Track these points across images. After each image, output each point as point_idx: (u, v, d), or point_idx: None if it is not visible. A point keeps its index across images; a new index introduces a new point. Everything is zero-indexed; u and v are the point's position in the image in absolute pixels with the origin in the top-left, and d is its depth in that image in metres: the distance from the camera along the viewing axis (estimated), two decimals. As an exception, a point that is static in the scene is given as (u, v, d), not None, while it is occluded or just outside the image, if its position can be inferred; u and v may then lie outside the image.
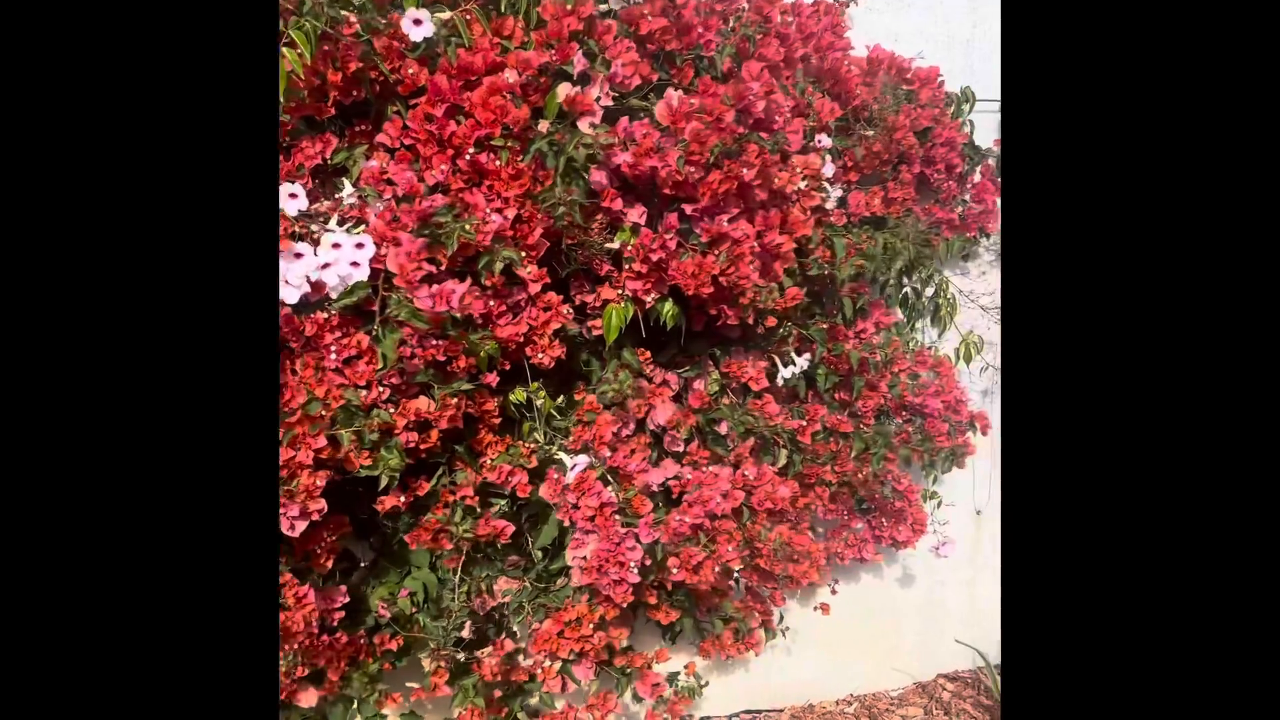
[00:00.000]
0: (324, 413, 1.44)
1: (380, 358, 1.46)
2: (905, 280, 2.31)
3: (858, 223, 2.02)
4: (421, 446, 1.57)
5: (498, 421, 1.68)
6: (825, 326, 2.07)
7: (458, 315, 1.55)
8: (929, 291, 2.38)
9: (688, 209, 1.58)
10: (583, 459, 1.59)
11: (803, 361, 1.92)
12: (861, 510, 2.28)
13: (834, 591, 2.27)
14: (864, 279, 2.12)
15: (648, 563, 1.60)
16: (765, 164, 1.57)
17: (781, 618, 2.24)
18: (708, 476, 1.66)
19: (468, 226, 1.45)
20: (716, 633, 2.00)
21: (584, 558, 1.55)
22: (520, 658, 1.73)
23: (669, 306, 1.63)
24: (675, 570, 1.55)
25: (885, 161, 2.07)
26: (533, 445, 1.66)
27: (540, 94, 1.58)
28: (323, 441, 1.39)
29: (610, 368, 1.73)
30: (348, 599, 1.63)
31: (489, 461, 1.66)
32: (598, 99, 1.56)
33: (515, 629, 1.81)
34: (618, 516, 1.58)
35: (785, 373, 1.89)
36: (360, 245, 1.44)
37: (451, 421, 1.57)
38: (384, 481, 1.46)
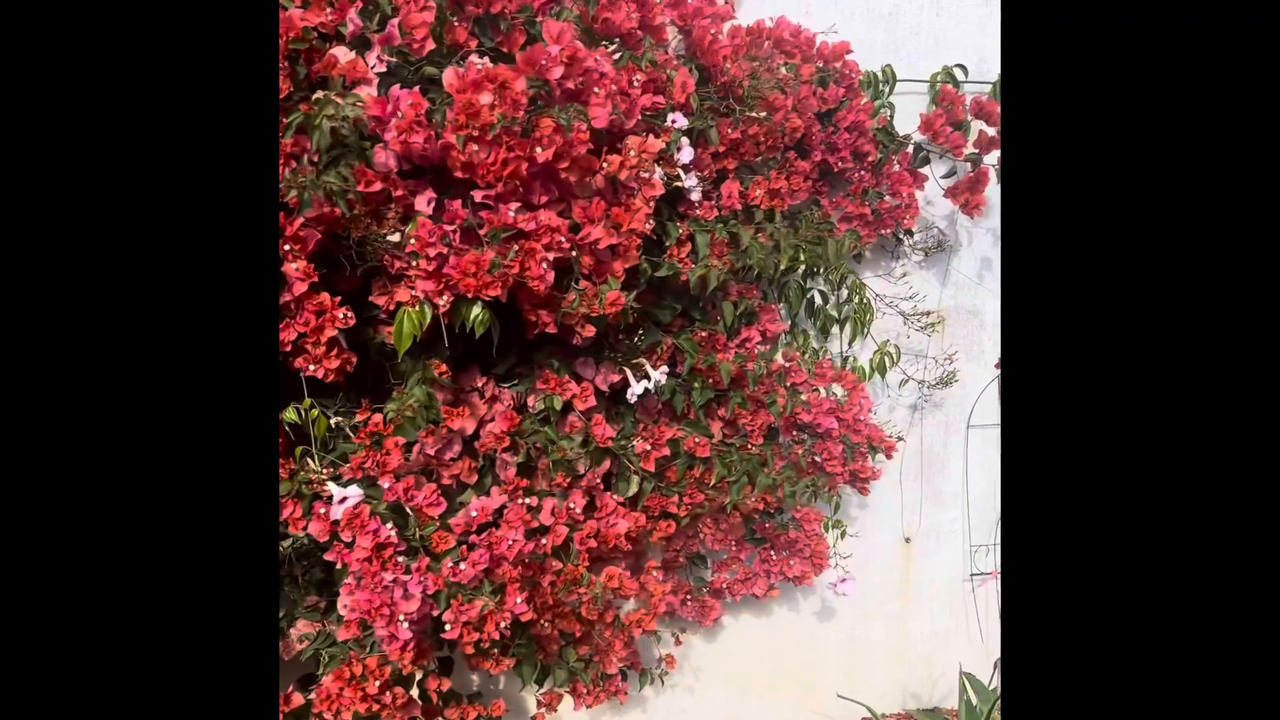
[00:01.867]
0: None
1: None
2: (808, 283, 2.05)
3: (730, 215, 1.76)
4: (172, 472, 1.34)
5: (279, 443, 1.45)
6: (704, 335, 1.81)
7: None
8: (843, 295, 2.12)
9: (477, 196, 1.33)
10: (354, 490, 1.35)
11: (659, 375, 1.67)
12: (754, 540, 2.02)
13: (678, 642, 2.01)
14: (746, 281, 1.87)
15: (436, 613, 1.36)
16: (572, 144, 1.32)
17: (659, 660, 2.00)
18: (512, 510, 1.41)
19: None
20: (577, 677, 1.75)
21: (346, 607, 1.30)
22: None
23: (477, 311, 1.38)
24: (449, 626, 1.30)
25: (772, 147, 1.81)
26: (319, 473, 1.42)
27: (322, 62, 1.34)
28: None
29: (412, 382, 1.49)
30: (90, 649, 1.40)
31: (270, 489, 1.43)
32: (372, 66, 1.31)
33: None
34: (402, 559, 1.34)
35: (637, 388, 1.64)
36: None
37: (201, 444, 1.33)
38: (88, 518, 1.22)
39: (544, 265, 1.30)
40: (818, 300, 2.07)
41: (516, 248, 1.30)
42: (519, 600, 1.33)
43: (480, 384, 1.60)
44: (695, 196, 1.68)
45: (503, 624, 1.32)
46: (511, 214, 1.30)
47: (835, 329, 2.13)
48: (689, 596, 1.99)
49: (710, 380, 1.78)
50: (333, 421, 1.49)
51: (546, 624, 1.60)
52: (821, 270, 2.05)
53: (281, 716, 1.47)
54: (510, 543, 1.32)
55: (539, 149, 1.28)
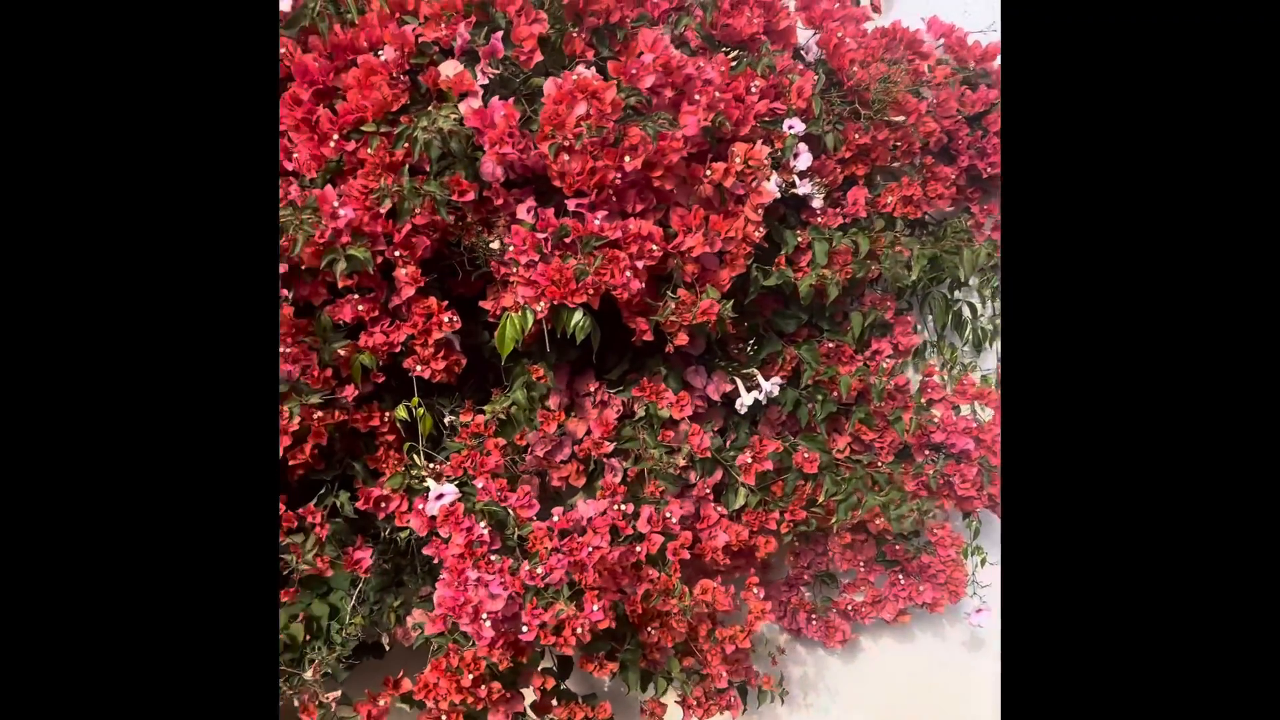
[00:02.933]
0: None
1: (210, 364, 1.33)
2: (954, 294, 1.95)
3: (855, 223, 1.70)
4: (292, 463, 1.44)
5: (391, 439, 1.52)
6: (831, 346, 1.76)
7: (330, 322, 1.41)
8: (996, 308, 2.00)
9: (570, 204, 1.35)
10: (450, 489, 1.39)
11: (770, 385, 1.63)
12: (885, 562, 1.94)
13: (774, 662, 1.94)
14: (882, 291, 1.79)
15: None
16: (663, 152, 1.31)
17: (781, 678, 1.95)
18: (599, 517, 1.42)
19: (305, 220, 1.30)
20: (685, 691, 1.74)
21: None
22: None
23: (577, 317, 1.40)
24: (526, 628, 1.32)
25: (907, 152, 1.73)
26: (428, 469, 1.48)
27: (428, 75, 1.41)
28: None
29: (515, 385, 1.53)
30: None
31: (384, 482, 1.50)
32: (477, 79, 1.36)
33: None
34: (495, 558, 1.38)
35: (746, 398, 1.61)
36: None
37: (315, 438, 1.42)
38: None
39: (628, 274, 1.30)
40: (965, 313, 1.96)
41: (601, 256, 1.31)
42: (596, 608, 1.34)
43: (592, 389, 1.62)
44: (816, 204, 1.64)
45: (580, 630, 1.33)
46: (597, 222, 1.31)
47: (987, 345, 2.01)
48: (813, 616, 1.94)
49: (833, 393, 1.72)
50: (446, 421, 1.55)
51: (653, 631, 1.59)
52: (972, 281, 1.94)
53: (388, 699, 1.54)
54: (591, 550, 1.33)
55: (627, 158, 1.28)
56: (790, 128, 1.56)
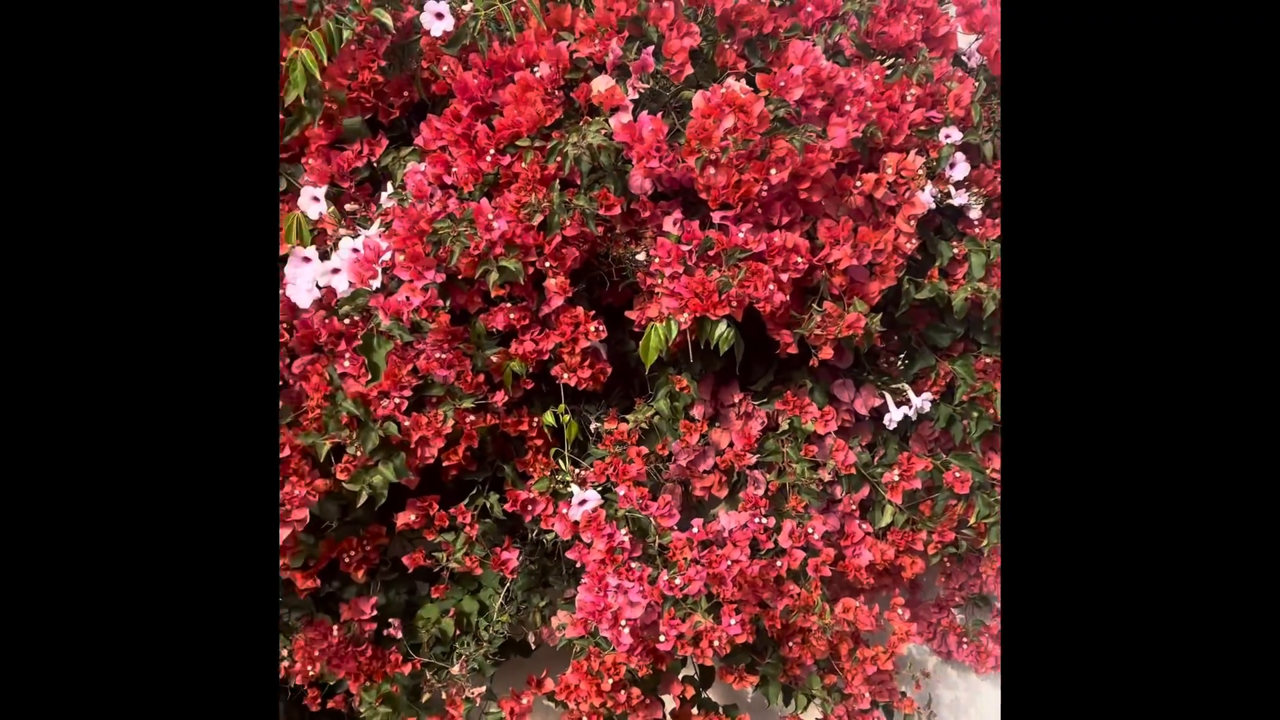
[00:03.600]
0: (319, 420, 1.41)
1: (370, 368, 1.40)
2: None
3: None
4: (445, 464, 1.50)
5: (539, 443, 1.56)
6: (989, 361, 1.70)
7: (484, 331, 1.46)
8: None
9: (716, 217, 1.35)
10: (593, 495, 1.42)
11: (921, 401, 1.58)
12: (1043, 589, 1.85)
13: (918, 686, 1.86)
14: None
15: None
16: (810, 164, 1.30)
17: (930, 700, 1.89)
18: (739, 530, 1.42)
19: (462, 233, 1.35)
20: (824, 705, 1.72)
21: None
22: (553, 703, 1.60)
23: (721, 329, 1.40)
24: (663, 638, 1.33)
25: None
26: (573, 474, 1.51)
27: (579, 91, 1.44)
28: (287, 450, 1.36)
29: (660, 394, 1.54)
30: (376, 611, 1.59)
31: (532, 485, 1.55)
32: (627, 93, 1.38)
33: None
34: (636, 565, 1.39)
35: (895, 414, 1.57)
36: (356, 250, 1.39)
37: (468, 440, 1.47)
38: (362, 498, 1.40)
39: (771, 287, 1.29)
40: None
41: (744, 268, 1.31)
42: (734, 621, 1.33)
43: (737, 400, 1.62)
44: (974, 214, 1.58)
45: (717, 643, 1.32)
46: (742, 235, 1.31)
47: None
48: (964, 639, 1.87)
49: (989, 411, 1.66)
50: (591, 427, 1.58)
51: (794, 646, 1.58)
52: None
53: (531, 698, 1.58)
54: (730, 563, 1.33)
55: (773, 171, 1.28)
56: (947, 137, 1.51)
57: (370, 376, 1.40)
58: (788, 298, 1.36)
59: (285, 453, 1.36)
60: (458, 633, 1.65)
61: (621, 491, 1.42)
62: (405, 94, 1.55)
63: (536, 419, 1.54)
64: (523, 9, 1.48)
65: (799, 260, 1.33)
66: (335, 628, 1.54)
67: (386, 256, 1.39)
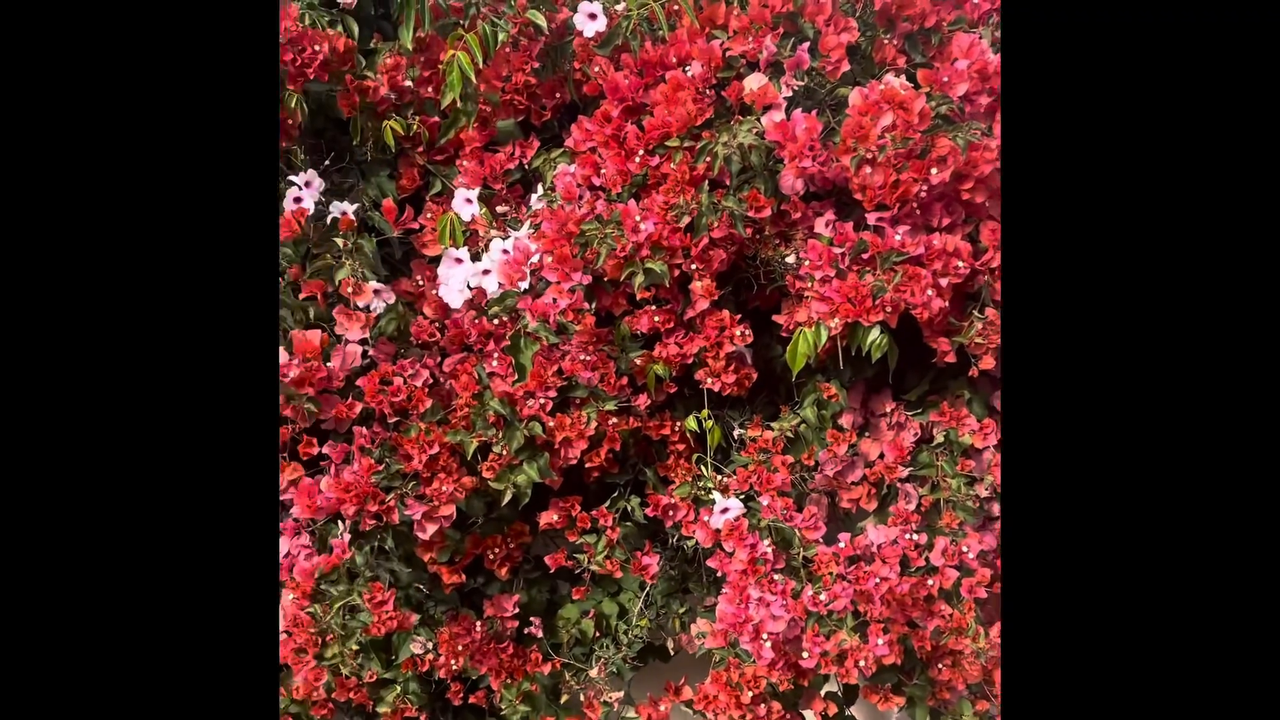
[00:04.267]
0: (468, 419, 1.42)
1: (517, 369, 1.41)
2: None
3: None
4: (588, 465, 1.50)
5: (681, 448, 1.54)
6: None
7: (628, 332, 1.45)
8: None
9: (871, 218, 1.30)
10: (735, 503, 1.39)
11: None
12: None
13: None
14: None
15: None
16: (974, 163, 1.23)
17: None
18: (889, 547, 1.36)
19: (609, 234, 1.34)
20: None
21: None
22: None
23: (874, 335, 1.35)
24: (806, 655, 1.28)
25: None
26: (715, 481, 1.49)
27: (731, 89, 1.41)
28: (436, 449, 1.38)
29: (807, 402, 1.49)
30: (518, 609, 1.60)
31: (674, 491, 1.53)
32: (780, 90, 1.34)
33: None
34: (779, 577, 1.36)
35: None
36: (506, 252, 1.40)
37: (610, 443, 1.47)
38: (507, 496, 1.41)
39: (930, 292, 1.23)
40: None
41: (900, 272, 1.25)
42: (882, 641, 1.28)
43: (888, 409, 1.56)
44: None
45: (864, 662, 1.27)
46: (898, 237, 1.25)
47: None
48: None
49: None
50: (735, 434, 1.55)
51: (944, 669, 1.51)
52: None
53: (669, 705, 1.56)
54: (879, 580, 1.27)
55: (934, 170, 1.21)
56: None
57: (517, 377, 1.40)
58: (946, 304, 1.30)
59: (434, 450, 1.38)
60: (597, 635, 1.65)
61: (765, 501, 1.38)
62: (557, 95, 1.55)
63: (679, 423, 1.52)
64: (675, 7, 1.46)
65: (960, 265, 1.26)
66: (479, 624, 1.56)
67: (535, 258, 1.39)
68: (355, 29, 1.53)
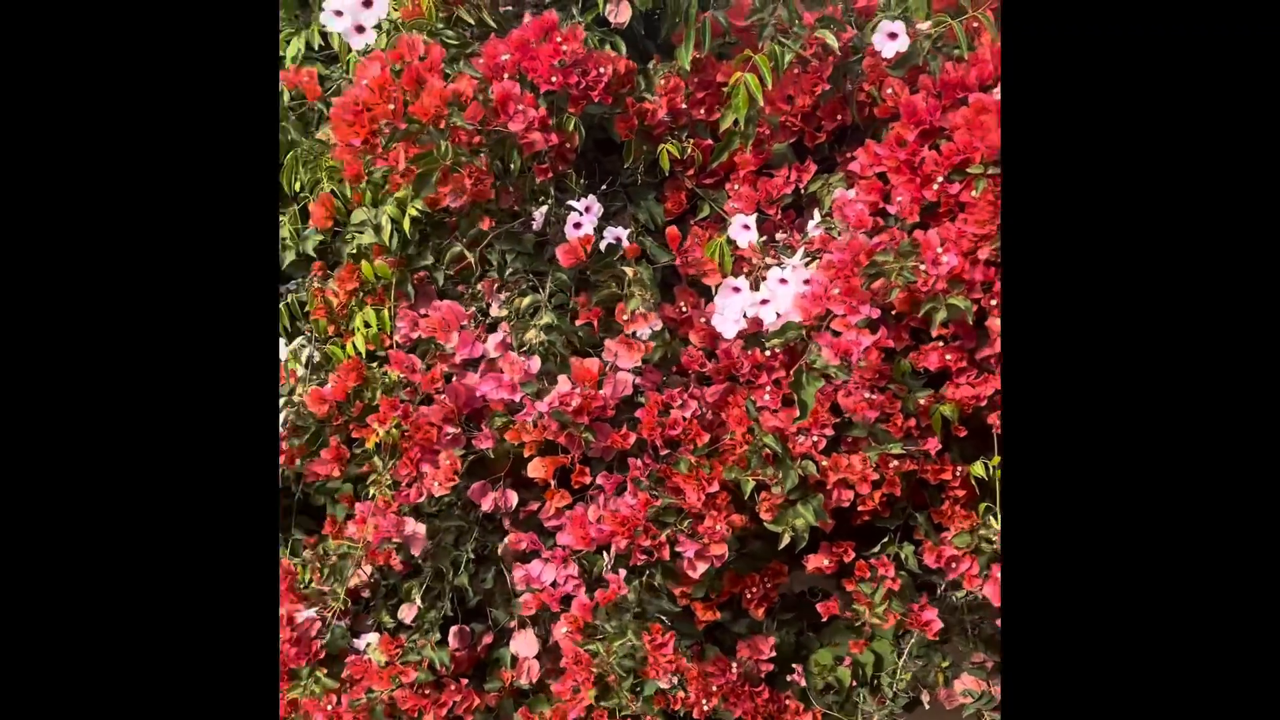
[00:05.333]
0: (742, 454, 1.37)
1: (799, 406, 1.34)
2: None
3: None
4: (860, 508, 1.42)
5: (962, 495, 1.44)
6: None
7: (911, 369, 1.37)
8: None
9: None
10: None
11: None
12: None
13: None
14: None
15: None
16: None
17: None
18: None
19: (907, 266, 1.26)
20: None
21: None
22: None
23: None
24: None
25: None
26: (993, 532, 1.38)
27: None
28: (716, 486, 1.33)
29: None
30: (774, 652, 1.54)
31: (949, 538, 1.43)
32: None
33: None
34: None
35: None
36: (784, 280, 1.34)
37: (889, 486, 1.38)
38: (784, 540, 1.35)
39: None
40: None
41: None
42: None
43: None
44: None
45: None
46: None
47: None
48: None
49: None
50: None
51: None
52: None
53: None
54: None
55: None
56: None
57: (799, 414, 1.34)
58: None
59: (713, 487, 1.33)
60: (853, 684, 1.57)
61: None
62: (838, 118, 1.48)
63: (962, 468, 1.42)
64: (975, 24, 1.37)
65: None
66: (734, 664, 1.51)
67: (821, 289, 1.33)
68: (624, 49, 1.51)
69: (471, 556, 1.56)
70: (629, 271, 1.35)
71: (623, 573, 1.34)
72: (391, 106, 1.25)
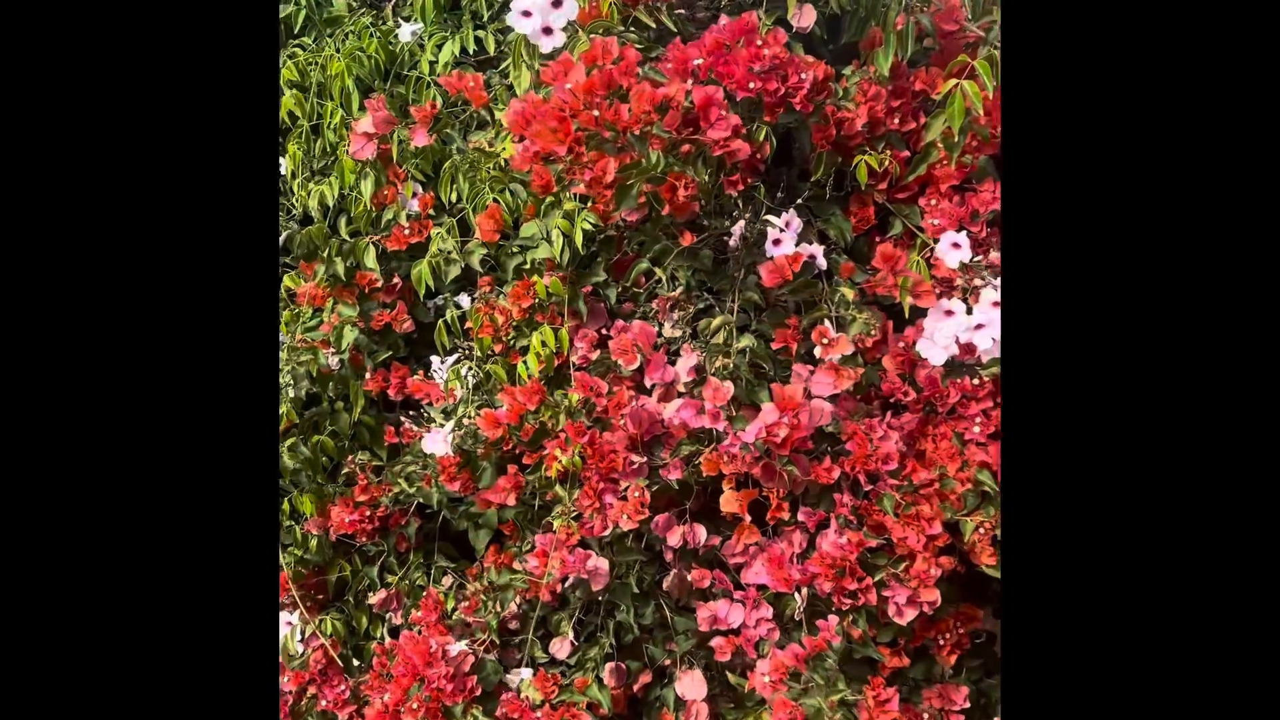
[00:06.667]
0: (956, 491, 1.27)
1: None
2: None
3: None
4: (1075, 553, 1.31)
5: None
6: None
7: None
8: None
9: None
10: None
11: None
12: None
13: None
14: None
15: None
16: None
17: None
18: None
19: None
20: None
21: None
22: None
23: None
24: None
25: None
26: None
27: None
28: (938, 528, 1.22)
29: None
30: (968, 703, 1.43)
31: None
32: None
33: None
34: None
35: None
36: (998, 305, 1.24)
37: (1112, 530, 1.27)
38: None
39: None
40: None
41: None
42: None
43: None
44: None
45: None
46: None
47: None
48: None
49: None
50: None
51: None
52: None
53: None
54: None
55: None
56: None
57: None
58: None
59: (935, 529, 1.22)
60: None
61: None
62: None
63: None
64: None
65: None
66: (925, 714, 1.40)
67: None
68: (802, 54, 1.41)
69: (636, 591, 1.47)
70: (847, 293, 1.25)
71: (834, 619, 1.23)
72: (596, 113, 1.17)
